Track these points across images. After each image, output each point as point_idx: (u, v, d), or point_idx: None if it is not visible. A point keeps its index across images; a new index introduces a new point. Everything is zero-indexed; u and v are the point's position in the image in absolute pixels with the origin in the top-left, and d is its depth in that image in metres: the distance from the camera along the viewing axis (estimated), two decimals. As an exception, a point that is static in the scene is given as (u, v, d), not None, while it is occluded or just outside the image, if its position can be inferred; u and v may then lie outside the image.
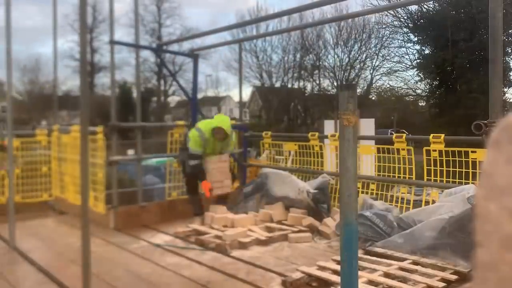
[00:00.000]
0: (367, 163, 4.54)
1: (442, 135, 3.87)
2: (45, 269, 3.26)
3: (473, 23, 14.44)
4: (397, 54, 19.68)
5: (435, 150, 3.89)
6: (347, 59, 23.77)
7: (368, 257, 3.34)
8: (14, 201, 3.99)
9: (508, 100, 16.02)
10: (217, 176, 4.60)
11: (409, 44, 18.59)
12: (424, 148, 4.02)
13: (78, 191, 3.92)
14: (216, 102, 36.25)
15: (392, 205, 4.17)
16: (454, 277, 2.89)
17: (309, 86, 26.86)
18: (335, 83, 23.91)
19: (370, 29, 22.19)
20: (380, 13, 17.73)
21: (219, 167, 4.62)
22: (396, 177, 4.26)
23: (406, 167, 4.18)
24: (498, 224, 0.41)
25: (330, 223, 4.16)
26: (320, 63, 24.79)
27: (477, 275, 0.43)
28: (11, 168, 3.90)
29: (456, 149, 3.83)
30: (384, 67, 21.79)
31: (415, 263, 3.14)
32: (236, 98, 32.80)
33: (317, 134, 4.88)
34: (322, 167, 5.03)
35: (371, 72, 23.70)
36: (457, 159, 3.79)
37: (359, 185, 4.36)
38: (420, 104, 20.58)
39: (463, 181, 3.77)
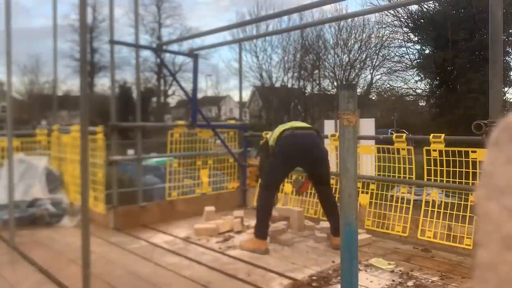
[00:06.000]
0: (367, 163, 4.54)
1: (442, 135, 3.87)
2: (45, 269, 3.25)
3: (473, 23, 14.44)
4: (397, 54, 19.69)
5: (435, 150, 3.89)
6: (347, 59, 23.79)
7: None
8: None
9: (508, 100, 16.02)
10: None
11: (409, 44, 18.60)
12: (424, 148, 4.02)
13: (78, 191, 3.92)
14: (216, 102, 36.27)
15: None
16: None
17: (309, 86, 26.89)
18: (335, 83, 23.93)
19: (370, 29, 22.21)
20: (380, 12, 17.74)
21: None
22: (396, 177, 4.26)
23: (406, 167, 4.18)
24: (498, 224, 0.41)
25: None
26: (320, 63, 24.80)
27: (477, 275, 0.43)
28: (11, 168, 3.90)
29: (456, 149, 3.82)
30: (384, 67, 21.80)
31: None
32: (236, 98, 32.83)
33: (317, 134, 4.87)
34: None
35: (371, 72, 23.72)
36: (457, 159, 3.79)
37: (359, 185, 4.36)
38: (420, 104, 20.58)
39: (463, 181, 3.77)
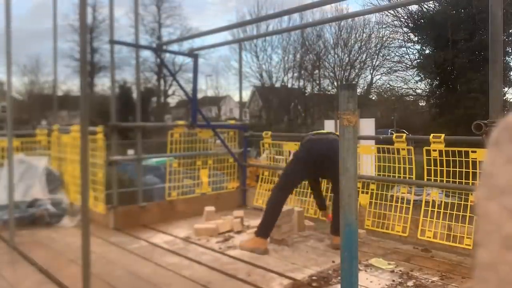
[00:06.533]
0: (367, 163, 4.54)
1: (442, 135, 3.86)
2: (45, 269, 3.25)
3: (473, 23, 14.43)
4: (397, 54, 19.69)
5: (435, 150, 3.89)
6: (347, 59, 23.82)
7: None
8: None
9: (508, 100, 16.01)
10: None
11: (409, 44, 18.60)
12: (424, 148, 4.02)
13: (78, 191, 3.92)
14: (216, 102, 36.28)
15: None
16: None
17: (309, 86, 26.91)
18: (335, 83, 23.96)
19: (370, 29, 22.24)
20: (380, 13, 17.75)
21: None
22: (396, 177, 4.26)
23: (406, 167, 4.18)
24: (498, 224, 0.41)
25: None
26: (320, 63, 24.82)
27: (477, 275, 0.43)
28: (11, 168, 3.90)
29: (456, 149, 3.82)
30: (384, 67, 21.82)
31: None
32: (236, 98, 32.83)
33: (317, 134, 4.86)
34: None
35: (371, 72, 23.76)
36: (457, 159, 3.79)
37: (359, 185, 4.36)
38: (420, 104, 20.58)
39: (463, 181, 3.77)
